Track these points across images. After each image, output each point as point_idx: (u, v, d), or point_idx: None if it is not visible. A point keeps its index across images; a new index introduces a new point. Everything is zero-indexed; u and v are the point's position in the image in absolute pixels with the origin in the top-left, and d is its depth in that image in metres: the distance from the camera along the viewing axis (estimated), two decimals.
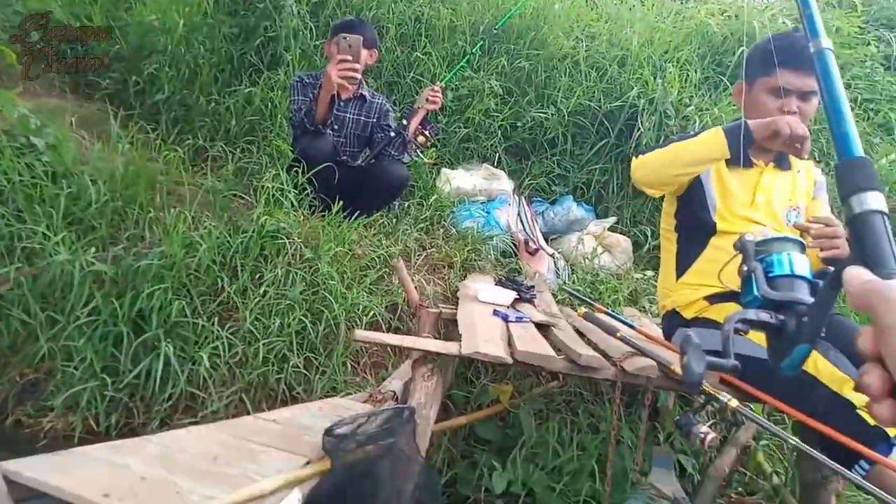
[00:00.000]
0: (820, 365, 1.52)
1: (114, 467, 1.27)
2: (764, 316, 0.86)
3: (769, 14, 5.19)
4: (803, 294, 0.88)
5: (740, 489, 2.09)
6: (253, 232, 2.37)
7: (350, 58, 2.82)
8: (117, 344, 1.90)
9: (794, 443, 1.47)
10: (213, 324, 1.99)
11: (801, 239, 1.00)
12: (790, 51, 1.77)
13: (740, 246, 1.02)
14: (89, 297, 1.96)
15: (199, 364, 1.85)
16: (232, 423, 1.61)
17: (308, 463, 1.45)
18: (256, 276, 2.27)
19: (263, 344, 1.98)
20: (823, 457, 1.39)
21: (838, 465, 1.37)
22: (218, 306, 2.11)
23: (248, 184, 2.84)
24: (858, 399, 1.45)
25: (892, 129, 4.84)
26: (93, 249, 2.06)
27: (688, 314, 1.92)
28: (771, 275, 0.94)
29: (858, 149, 0.59)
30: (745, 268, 0.97)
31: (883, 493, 1.29)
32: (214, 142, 3.24)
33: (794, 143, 1.66)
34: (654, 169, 1.87)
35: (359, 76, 2.91)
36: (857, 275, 0.49)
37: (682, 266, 2.01)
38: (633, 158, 1.95)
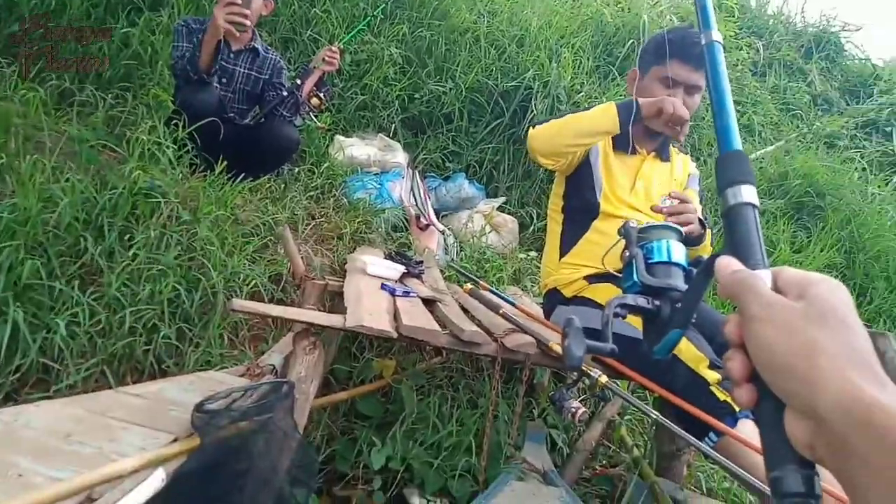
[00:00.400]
0: (682, 345, 1.64)
1: None
2: (641, 301, 0.90)
3: (658, 10, 5.45)
4: (678, 281, 0.93)
5: (604, 461, 2.24)
6: (123, 189, 2.17)
7: (240, 1, 2.64)
8: None
9: (654, 416, 1.59)
10: (72, 288, 1.81)
11: (680, 228, 1.06)
12: (682, 45, 1.88)
13: (623, 232, 1.06)
14: None
15: (55, 332, 1.68)
16: (89, 398, 1.48)
17: (175, 440, 1.37)
18: (126, 238, 2.08)
19: (131, 312, 1.83)
20: (679, 429, 1.52)
21: (691, 437, 1.50)
22: (79, 269, 1.92)
23: (120, 135, 2.59)
24: (712, 377, 1.59)
25: (754, 130, 5.30)
26: None
27: (568, 293, 2.01)
28: (650, 261, 0.99)
29: (737, 143, 0.61)
30: (627, 253, 1.02)
31: (727, 460, 1.43)
32: (83, 85, 2.92)
33: (675, 123, 1.77)
34: (549, 137, 1.90)
35: (248, 22, 2.73)
36: (726, 264, 0.51)
37: (566, 246, 2.09)
38: (531, 129, 1.97)
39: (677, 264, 0.98)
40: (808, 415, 0.42)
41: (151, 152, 2.41)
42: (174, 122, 2.66)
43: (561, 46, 4.61)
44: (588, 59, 4.63)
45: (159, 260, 2.04)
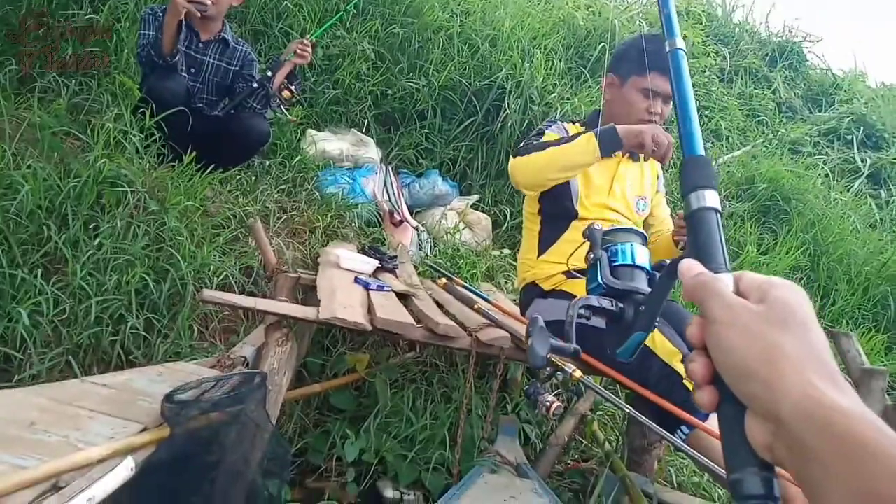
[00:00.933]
0: (657, 339, 1.66)
1: None
2: (605, 303, 0.91)
3: (628, 15, 5.54)
4: (642, 284, 0.95)
5: (577, 456, 2.25)
6: (88, 177, 2.11)
7: None
8: None
9: (627, 410, 1.61)
10: (35, 277, 1.74)
11: (643, 231, 1.07)
12: (662, 56, 1.90)
13: (588, 234, 1.07)
14: None
15: (17, 321, 1.62)
16: (53, 387, 1.43)
17: (144, 430, 1.33)
18: (91, 227, 2.02)
19: (97, 302, 1.78)
20: (651, 422, 1.53)
21: (663, 430, 1.52)
22: (42, 257, 1.85)
23: (84, 122, 2.52)
24: (685, 370, 1.61)
25: (721, 135, 5.42)
26: None
27: (546, 286, 2.02)
28: (615, 263, 1.00)
29: (700, 148, 0.62)
30: (592, 255, 1.02)
31: (698, 454, 1.45)
32: (43, 71, 2.82)
33: (658, 154, 1.80)
34: (533, 172, 1.90)
35: (209, 3, 2.69)
36: (689, 268, 0.52)
37: (544, 245, 2.10)
38: (511, 157, 1.98)
39: (641, 267, 0.99)
40: (768, 418, 0.42)
41: (117, 141, 2.35)
42: (141, 110, 2.59)
43: (533, 47, 4.64)
44: (560, 60, 4.66)
45: (126, 250, 1.98)
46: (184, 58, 2.97)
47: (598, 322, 1.53)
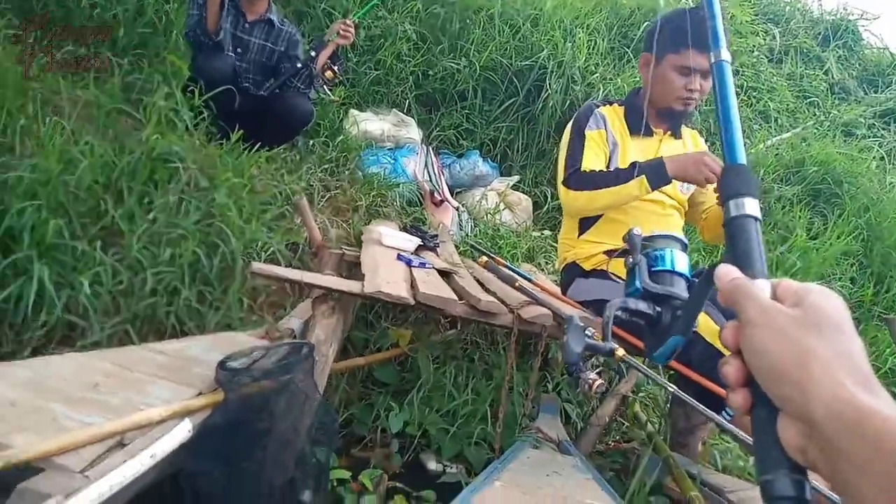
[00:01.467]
0: (700, 319, 1.64)
1: None
2: (642, 305, 0.91)
3: None
4: (680, 290, 0.95)
5: (618, 437, 2.25)
6: (142, 154, 2.17)
7: None
8: None
9: (672, 389, 1.60)
10: (94, 249, 1.82)
11: (683, 239, 1.07)
12: (698, 32, 1.85)
13: (628, 239, 1.07)
14: None
15: (79, 290, 1.69)
16: (115, 352, 1.49)
17: (200, 395, 1.38)
18: (145, 202, 2.09)
19: (152, 274, 1.84)
20: (696, 402, 1.52)
21: (708, 410, 1.51)
22: (100, 230, 1.92)
23: (136, 101, 2.59)
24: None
25: (769, 116, 5.26)
26: None
27: (587, 266, 2.01)
28: (654, 269, 1.00)
29: (742, 156, 0.62)
30: (631, 260, 1.03)
31: (743, 434, 1.44)
32: (99, 52, 2.91)
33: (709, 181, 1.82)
34: (584, 204, 1.99)
35: None
36: (726, 272, 0.52)
37: (585, 225, 2.09)
38: (563, 186, 2.03)
39: (680, 274, 0.99)
40: (801, 420, 0.42)
41: (169, 119, 2.41)
42: (190, 89, 2.65)
43: (575, 27, 4.57)
44: (603, 40, 4.59)
45: (178, 224, 2.04)
46: (230, 37, 3.02)
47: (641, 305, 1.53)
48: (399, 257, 2.13)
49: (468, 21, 4.34)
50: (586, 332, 1.17)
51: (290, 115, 3.05)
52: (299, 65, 3.09)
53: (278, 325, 1.88)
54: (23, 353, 1.59)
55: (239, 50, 3.08)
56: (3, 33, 2.57)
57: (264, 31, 3.13)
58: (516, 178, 3.72)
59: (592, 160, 2.02)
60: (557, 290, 2.17)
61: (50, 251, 1.74)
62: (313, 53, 3.12)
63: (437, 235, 2.53)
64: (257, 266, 1.73)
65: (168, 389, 1.36)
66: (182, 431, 1.22)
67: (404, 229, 2.54)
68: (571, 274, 2.08)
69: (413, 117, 3.78)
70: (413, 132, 3.53)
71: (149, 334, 1.81)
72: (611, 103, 2.18)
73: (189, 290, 1.90)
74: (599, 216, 2.07)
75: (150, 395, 1.31)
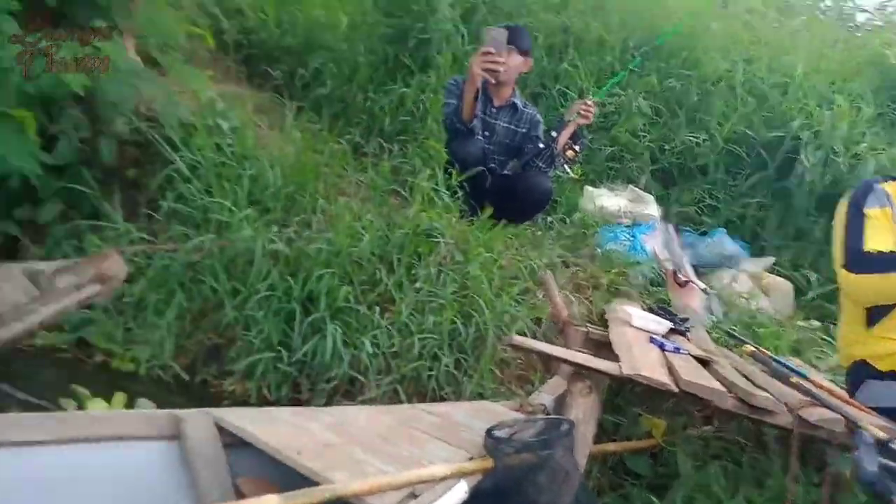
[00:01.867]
0: None
1: (299, 429, 1.33)
2: None
3: None
4: None
5: None
6: (409, 229, 2.42)
7: (493, 50, 2.83)
8: (289, 321, 2.00)
9: None
10: (373, 313, 2.04)
11: None
12: None
13: None
14: (267, 273, 2.07)
15: (362, 350, 1.90)
16: (392, 408, 1.64)
17: (471, 459, 1.44)
18: (411, 273, 2.30)
19: (419, 339, 2.01)
20: None
21: None
22: (377, 297, 2.16)
23: (402, 181, 2.91)
24: None
25: None
26: (274, 228, 2.19)
27: (883, 366, 1.76)
28: None
29: None
30: None
31: None
32: (369, 139, 3.34)
33: None
34: (877, 292, 1.79)
35: (501, 69, 2.91)
36: None
37: (876, 316, 1.83)
38: (845, 271, 1.83)
39: None
40: None
41: (430, 197, 2.66)
42: (447, 170, 2.90)
43: (833, 93, 4.18)
44: (868, 105, 4.12)
45: (438, 294, 2.21)
46: (480, 122, 3.28)
47: None
48: (652, 340, 2.05)
49: (707, 92, 4.20)
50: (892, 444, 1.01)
51: (532, 193, 3.17)
52: (541, 145, 3.23)
53: (530, 399, 1.90)
54: (317, 401, 1.81)
55: (486, 133, 3.31)
56: (304, 127, 3.07)
57: (509, 115, 3.34)
58: (771, 259, 3.41)
59: (878, 241, 1.79)
60: (839, 391, 1.91)
61: (339, 313, 1.99)
62: (554, 133, 3.25)
63: (687, 318, 2.40)
64: (517, 339, 1.79)
65: (443, 449, 1.44)
66: (460, 492, 1.28)
67: (650, 310, 2.45)
68: (860, 374, 1.82)
69: (650, 192, 3.71)
70: (651, 208, 3.45)
71: (413, 395, 1.96)
72: (892, 179, 1.94)
73: (448, 357, 2.03)
74: (894, 305, 1.80)
75: (430, 453, 1.40)
